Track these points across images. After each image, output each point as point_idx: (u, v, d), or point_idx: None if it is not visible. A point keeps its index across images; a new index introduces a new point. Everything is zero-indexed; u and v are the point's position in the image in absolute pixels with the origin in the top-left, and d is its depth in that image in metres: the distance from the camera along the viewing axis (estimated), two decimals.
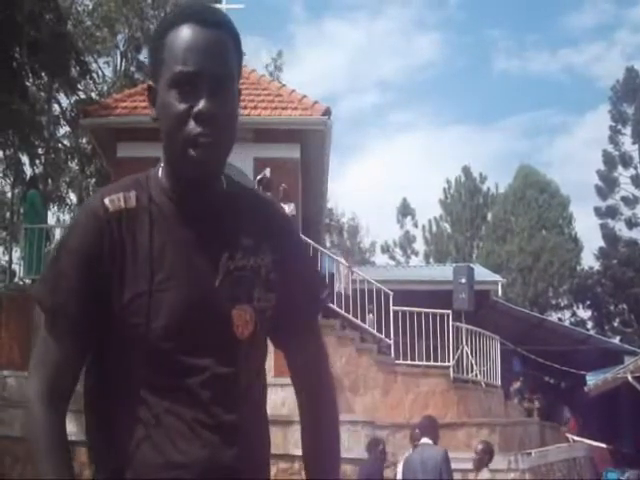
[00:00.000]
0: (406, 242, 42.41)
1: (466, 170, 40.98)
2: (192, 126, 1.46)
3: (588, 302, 34.98)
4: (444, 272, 17.73)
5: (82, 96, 22.78)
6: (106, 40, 23.87)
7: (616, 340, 29.26)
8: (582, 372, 19.30)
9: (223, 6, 14.14)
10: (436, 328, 13.04)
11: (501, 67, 66.28)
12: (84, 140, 22.20)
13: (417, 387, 12.57)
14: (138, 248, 1.50)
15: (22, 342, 11.06)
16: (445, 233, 41.02)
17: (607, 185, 35.53)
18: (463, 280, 14.16)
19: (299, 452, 1.71)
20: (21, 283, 14.11)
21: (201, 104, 1.46)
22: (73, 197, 24.51)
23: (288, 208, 12.76)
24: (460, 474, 9.03)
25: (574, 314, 35.83)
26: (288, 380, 1.71)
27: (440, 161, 67.30)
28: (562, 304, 36.02)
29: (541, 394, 20.35)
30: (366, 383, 12.30)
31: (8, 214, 23.22)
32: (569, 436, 17.56)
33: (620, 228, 35.35)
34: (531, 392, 19.82)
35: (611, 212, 35.43)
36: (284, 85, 16.86)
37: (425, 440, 7.42)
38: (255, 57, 34.78)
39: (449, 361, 13.26)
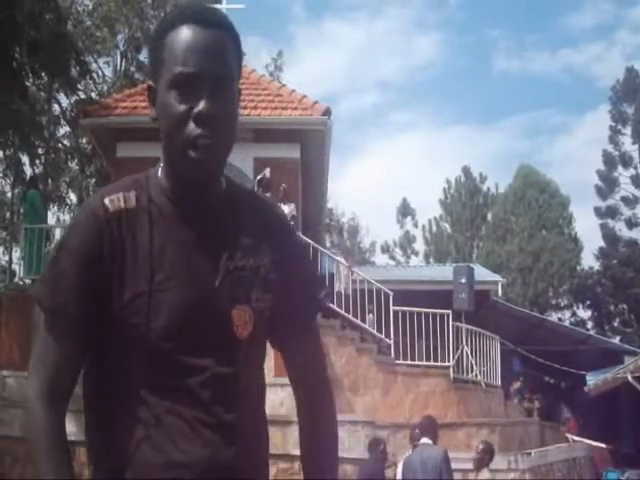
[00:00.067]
0: (406, 242, 42.41)
1: (466, 170, 40.99)
2: (192, 127, 1.47)
3: (588, 302, 34.99)
4: (444, 272, 17.74)
5: (82, 96, 22.79)
6: (106, 40, 23.87)
7: (616, 340, 29.28)
8: (582, 372, 19.30)
9: (223, 6, 14.14)
10: (436, 328, 13.04)
11: (501, 67, 66.38)
12: (84, 140, 22.21)
13: (417, 387, 12.57)
14: (138, 248, 1.50)
15: (22, 342, 11.05)
16: (445, 233, 41.02)
17: (607, 185, 35.54)
18: (463, 280, 14.16)
19: (299, 452, 1.72)
20: (21, 283, 14.10)
21: (201, 105, 1.46)
22: (73, 197, 24.53)
23: (288, 208, 12.76)
24: (460, 474, 9.03)
25: (574, 314, 35.86)
26: (288, 380, 1.71)
27: (440, 161, 67.39)
28: (562, 304, 36.03)
29: (541, 394, 20.35)
30: (366, 383, 12.30)
31: (8, 214, 23.22)
32: (569, 436, 17.57)
33: (620, 228, 35.42)
34: (531, 392, 19.83)
35: (611, 212, 35.44)
36: (284, 85, 16.87)
37: (425, 440, 7.42)
38: (255, 57, 34.91)
39: (449, 361, 13.26)
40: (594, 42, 66.36)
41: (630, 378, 16.29)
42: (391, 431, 10.79)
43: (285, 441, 8.88)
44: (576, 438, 17.31)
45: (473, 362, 13.92)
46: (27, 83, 19.72)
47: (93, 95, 23.19)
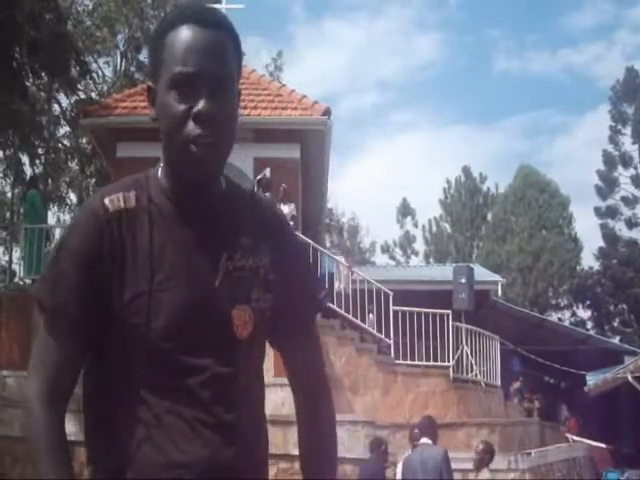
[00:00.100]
0: (406, 242, 42.42)
1: (466, 170, 41.01)
2: (191, 127, 1.47)
3: (588, 302, 35.00)
4: (444, 272, 17.74)
5: (82, 96, 22.79)
6: (106, 40, 23.87)
7: (616, 340, 29.29)
8: (582, 372, 19.31)
9: (223, 6, 14.13)
10: (436, 328, 13.04)
11: (501, 67, 66.40)
12: (84, 140, 22.21)
13: (417, 387, 12.56)
14: (138, 248, 1.50)
15: (22, 342, 11.04)
16: (445, 233, 41.03)
17: (607, 185, 35.55)
18: (463, 280, 14.16)
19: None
20: (21, 283, 14.10)
21: (200, 104, 1.46)
22: (73, 197, 24.54)
23: (288, 208, 12.75)
24: (460, 474, 9.03)
25: (574, 314, 35.87)
26: (287, 380, 1.71)
27: (440, 161, 67.42)
28: (562, 304, 36.04)
29: (541, 394, 20.36)
30: (366, 383, 12.29)
31: (8, 214, 23.21)
32: (569, 436, 17.57)
33: (620, 228, 35.44)
34: (531, 392, 19.83)
35: (611, 212, 35.45)
36: (284, 85, 16.87)
37: (425, 440, 7.42)
38: (255, 57, 34.90)
39: (449, 361, 13.25)
40: (594, 42, 66.49)
41: (630, 378, 16.29)
42: (391, 431, 10.78)
43: (286, 441, 8.87)
44: (576, 438, 17.31)
45: (473, 362, 13.92)
46: (27, 83, 19.73)
47: (93, 95, 23.20)
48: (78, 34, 22.42)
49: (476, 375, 14.02)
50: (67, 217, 23.84)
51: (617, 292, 33.48)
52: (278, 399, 9.30)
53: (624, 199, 35.55)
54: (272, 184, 12.98)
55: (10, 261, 21.93)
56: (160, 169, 1.58)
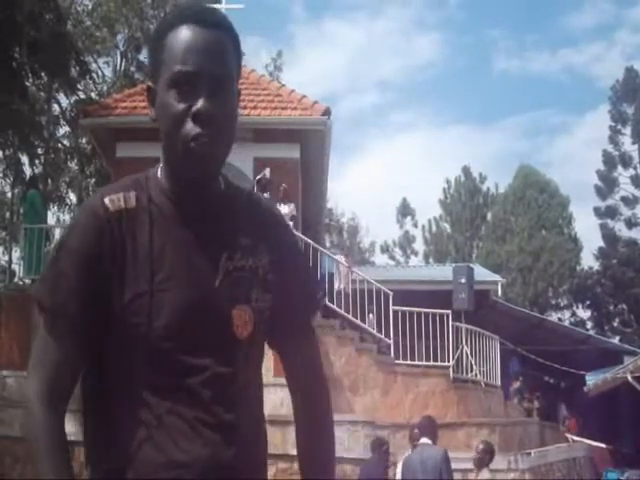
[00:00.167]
0: (406, 242, 42.43)
1: (466, 170, 41.02)
2: (190, 126, 1.47)
3: (588, 302, 35.01)
4: (444, 272, 17.74)
5: (82, 96, 22.79)
6: (106, 40, 23.87)
7: (616, 340, 29.30)
8: (582, 372, 19.31)
9: (223, 6, 14.13)
10: (436, 328, 13.04)
11: (501, 67, 66.44)
12: (84, 140, 22.21)
13: (417, 387, 12.56)
14: (138, 248, 1.50)
15: (22, 342, 11.04)
16: (445, 233, 41.04)
17: (607, 185, 35.55)
18: (463, 280, 14.16)
19: None
20: (21, 283, 14.10)
21: (200, 104, 1.46)
22: (73, 197, 24.52)
23: (288, 208, 12.76)
24: (460, 474, 9.03)
25: (574, 314, 35.88)
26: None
27: (440, 161, 67.47)
28: (562, 304, 36.05)
29: (541, 394, 20.36)
30: (366, 383, 12.29)
31: (8, 214, 23.21)
32: (569, 436, 17.57)
33: (620, 228, 35.45)
34: (531, 392, 19.83)
35: (611, 212, 35.45)
36: (284, 85, 16.87)
37: (424, 440, 7.41)
38: (255, 57, 34.95)
39: (449, 361, 13.25)
40: (594, 42, 66.53)
41: (630, 378, 16.28)
42: (391, 431, 10.78)
43: (285, 441, 8.87)
44: (576, 438, 17.31)
45: (473, 362, 13.92)
46: (27, 83, 19.73)
47: (93, 95, 23.19)
48: (78, 34, 22.41)
49: (476, 375, 14.02)
50: (67, 217, 23.85)
51: (617, 292, 33.49)
52: (277, 399, 9.30)
53: (624, 199, 35.57)
54: (272, 184, 12.98)
55: (10, 261, 21.95)
56: (160, 169, 1.58)
